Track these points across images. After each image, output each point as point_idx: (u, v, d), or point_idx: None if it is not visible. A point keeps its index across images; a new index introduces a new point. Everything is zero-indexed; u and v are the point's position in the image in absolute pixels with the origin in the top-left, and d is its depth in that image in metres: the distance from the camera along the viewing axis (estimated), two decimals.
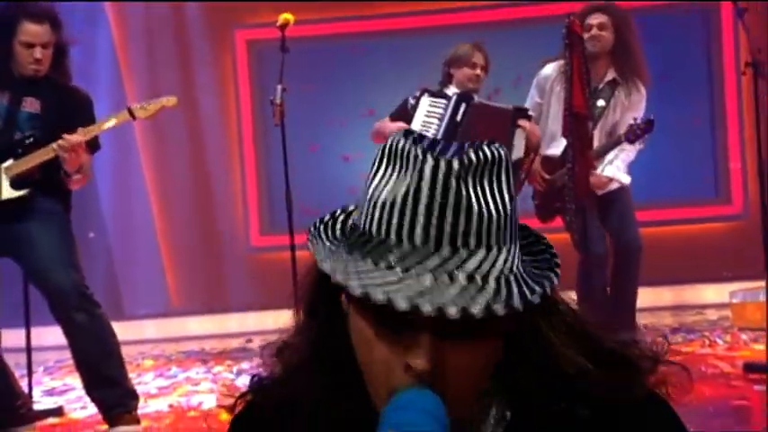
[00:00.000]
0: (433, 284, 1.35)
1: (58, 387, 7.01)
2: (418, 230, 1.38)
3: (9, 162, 5.36)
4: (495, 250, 1.39)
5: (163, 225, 10.13)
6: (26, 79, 5.38)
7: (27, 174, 5.33)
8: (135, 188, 9.73)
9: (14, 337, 6.10)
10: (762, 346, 6.17)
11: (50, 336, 6.85)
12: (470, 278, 1.37)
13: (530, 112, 6.64)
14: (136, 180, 9.68)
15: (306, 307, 1.62)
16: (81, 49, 8.11)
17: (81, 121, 5.51)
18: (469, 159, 1.40)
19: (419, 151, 1.39)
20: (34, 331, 6.03)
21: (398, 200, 1.40)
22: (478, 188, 1.41)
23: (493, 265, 1.38)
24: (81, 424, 5.74)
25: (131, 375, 5.91)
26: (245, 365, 7.23)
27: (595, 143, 6.49)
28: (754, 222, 6.67)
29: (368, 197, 1.44)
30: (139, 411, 5.50)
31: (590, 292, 6.38)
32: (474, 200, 1.40)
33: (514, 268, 1.43)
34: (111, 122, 5.53)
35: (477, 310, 1.30)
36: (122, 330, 6.19)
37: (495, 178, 1.42)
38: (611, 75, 6.54)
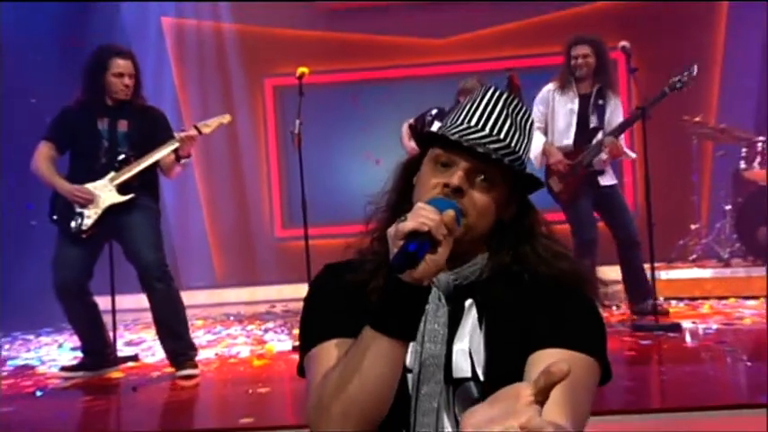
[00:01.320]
0: (479, 138, 1.74)
1: (134, 339, 7.25)
2: (481, 120, 1.79)
3: (112, 174, 5.43)
4: (507, 144, 1.77)
5: (210, 220, 10.41)
6: (117, 105, 5.47)
7: (129, 181, 5.45)
8: (190, 192, 10.04)
9: (103, 302, 6.10)
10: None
11: (129, 301, 7.26)
12: (500, 147, 1.75)
13: (537, 124, 6.40)
14: (191, 186, 9.96)
15: (393, 195, 1.93)
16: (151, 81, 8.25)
17: (160, 134, 5.67)
18: (522, 109, 1.82)
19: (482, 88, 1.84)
20: (117, 298, 6.22)
21: (470, 104, 1.83)
22: (511, 108, 1.80)
23: (509, 150, 1.77)
24: (151, 367, 5.85)
25: None
26: (270, 325, 7.51)
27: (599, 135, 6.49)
28: (642, 219, 6.57)
29: (456, 108, 1.89)
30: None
31: (624, 268, 6.49)
32: (516, 120, 1.82)
33: (516, 162, 1.79)
34: (193, 132, 5.55)
35: (496, 153, 1.71)
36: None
37: (521, 109, 1.83)
38: (596, 89, 6.50)
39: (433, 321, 1.78)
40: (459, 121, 1.81)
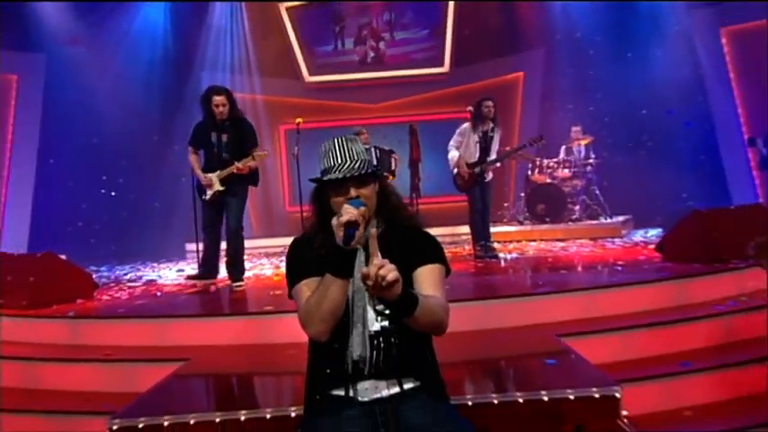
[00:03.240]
0: (346, 170, 1.95)
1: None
2: (339, 158, 1.98)
3: (218, 172, 5.51)
4: (359, 163, 1.96)
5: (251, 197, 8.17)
6: (220, 123, 5.49)
7: (227, 176, 5.51)
8: None
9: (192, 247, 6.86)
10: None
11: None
12: (357, 166, 1.95)
13: (455, 145, 6.47)
14: None
15: (315, 208, 2.10)
16: None
17: (247, 142, 5.61)
18: (352, 140, 2.00)
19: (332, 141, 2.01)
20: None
21: (330, 152, 2.00)
22: (348, 141, 2.00)
23: (362, 165, 1.96)
24: (219, 281, 5.83)
25: None
26: (282, 258, 7.28)
27: (493, 155, 6.50)
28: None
29: (322, 159, 2.03)
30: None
31: (473, 225, 6.70)
32: (353, 149, 1.99)
33: (369, 168, 1.96)
34: (252, 161, 5.48)
35: (358, 171, 1.94)
36: None
37: (352, 140, 2.00)
38: (491, 125, 6.47)
39: (359, 265, 1.95)
40: (331, 165, 2.00)
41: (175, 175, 8.74)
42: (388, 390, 1.99)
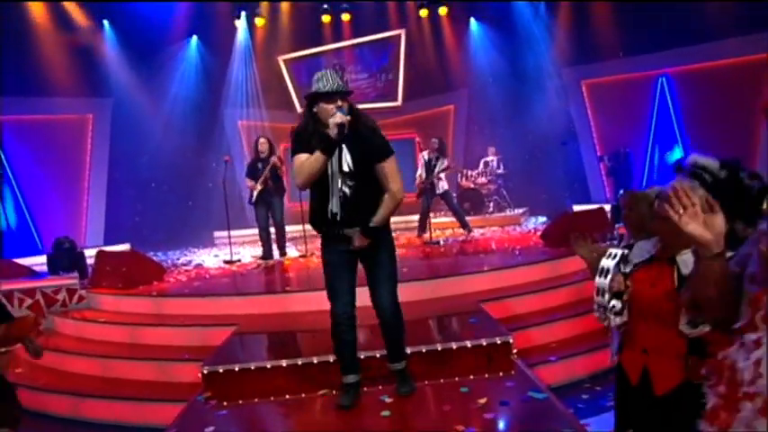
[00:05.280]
0: (336, 87, 2.17)
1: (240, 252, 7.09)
2: (330, 80, 2.16)
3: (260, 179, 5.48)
4: (343, 85, 2.17)
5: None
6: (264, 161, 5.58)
7: (264, 181, 5.59)
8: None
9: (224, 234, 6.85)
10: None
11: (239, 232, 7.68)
12: (343, 86, 2.17)
13: (420, 169, 6.49)
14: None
15: (307, 112, 2.24)
16: None
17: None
18: (338, 72, 2.10)
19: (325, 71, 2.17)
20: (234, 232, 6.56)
21: (324, 76, 2.18)
22: (339, 75, 2.16)
23: (345, 86, 2.19)
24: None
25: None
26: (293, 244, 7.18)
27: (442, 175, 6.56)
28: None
29: (316, 82, 2.17)
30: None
31: (421, 219, 6.70)
32: (338, 76, 2.17)
33: (347, 87, 2.13)
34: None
35: (343, 88, 2.17)
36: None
37: (341, 71, 3.00)
38: (436, 155, 6.56)
39: (339, 150, 2.29)
40: (324, 84, 2.23)
41: (205, 182, 8.79)
42: (350, 228, 2.36)
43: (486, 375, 3.01)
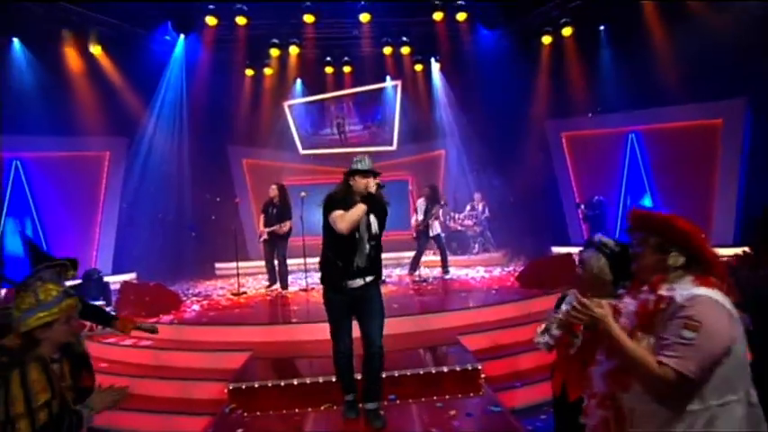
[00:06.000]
0: (371, 167, 2.69)
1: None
2: (366, 162, 2.66)
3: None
4: (372, 166, 2.65)
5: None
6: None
7: (272, 224, 6.19)
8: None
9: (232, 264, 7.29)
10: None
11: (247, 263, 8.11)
12: (372, 166, 2.67)
13: (419, 214, 6.74)
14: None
15: (344, 183, 2.61)
16: None
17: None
18: (369, 158, 2.58)
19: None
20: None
21: (362, 159, 2.67)
22: (370, 160, 2.63)
23: (373, 167, 2.64)
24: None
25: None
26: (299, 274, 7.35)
27: (432, 219, 6.80)
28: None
29: (355, 162, 2.63)
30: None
31: (414, 258, 6.93)
32: (370, 161, 2.64)
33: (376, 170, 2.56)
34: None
35: (372, 168, 2.69)
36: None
37: (371, 161, 2.43)
38: (430, 203, 6.85)
39: (367, 217, 2.66)
40: (363, 166, 2.69)
41: (207, 216, 9.11)
42: (363, 281, 2.75)
43: (459, 395, 3.52)
